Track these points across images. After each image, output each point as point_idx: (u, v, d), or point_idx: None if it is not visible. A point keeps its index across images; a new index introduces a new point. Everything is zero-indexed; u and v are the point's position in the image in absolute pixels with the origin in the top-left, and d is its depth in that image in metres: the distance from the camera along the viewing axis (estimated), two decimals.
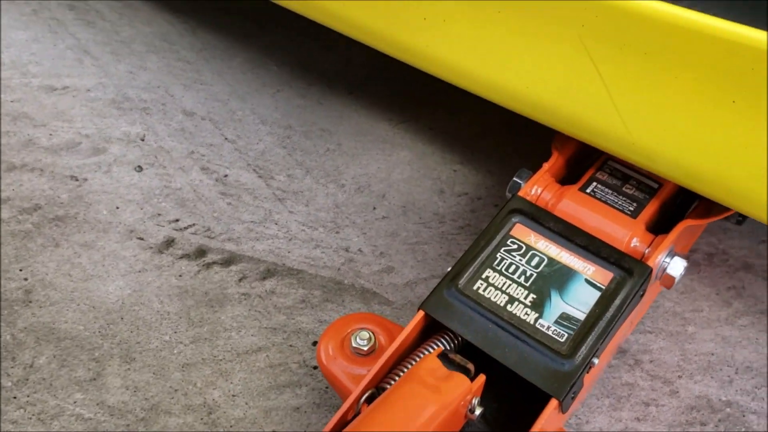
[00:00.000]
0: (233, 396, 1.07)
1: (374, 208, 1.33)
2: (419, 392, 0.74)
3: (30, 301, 1.16)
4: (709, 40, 0.77)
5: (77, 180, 1.34)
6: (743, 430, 1.04)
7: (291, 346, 1.13)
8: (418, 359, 0.83)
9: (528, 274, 0.88)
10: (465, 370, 0.80)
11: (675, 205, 1.06)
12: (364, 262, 1.24)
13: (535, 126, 1.45)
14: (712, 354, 1.13)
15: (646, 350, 1.13)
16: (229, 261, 1.24)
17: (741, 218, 1.27)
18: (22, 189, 1.31)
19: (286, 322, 1.16)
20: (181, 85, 1.55)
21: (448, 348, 0.86)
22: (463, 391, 0.75)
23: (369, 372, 0.83)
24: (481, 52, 0.97)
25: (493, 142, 1.45)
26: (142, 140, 1.42)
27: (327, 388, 1.08)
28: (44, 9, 1.71)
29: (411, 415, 0.72)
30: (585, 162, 1.07)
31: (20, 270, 1.20)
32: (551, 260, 0.89)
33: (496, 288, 0.87)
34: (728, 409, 1.06)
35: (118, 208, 1.30)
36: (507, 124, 1.49)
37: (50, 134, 1.42)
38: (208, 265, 1.23)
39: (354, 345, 0.92)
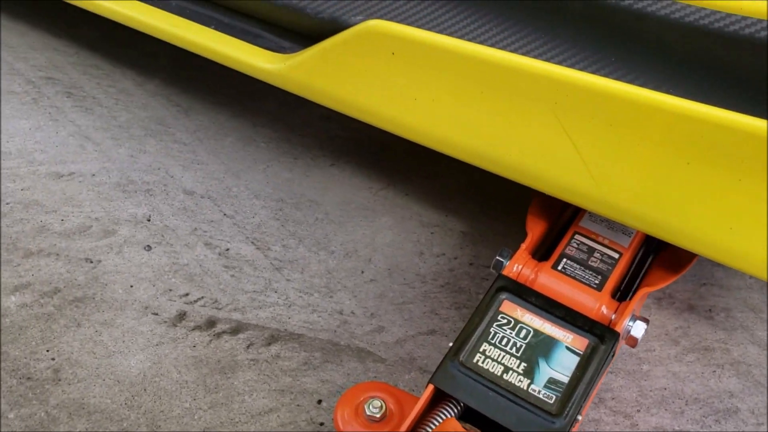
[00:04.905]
0: None
1: (362, 272, 1.37)
2: None
3: (59, 380, 1.17)
4: (661, 114, 0.86)
5: (92, 262, 1.35)
6: None
7: (298, 405, 1.16)
8: (429, 425, 0.88)
9: (518, 345, 0.94)
10: None
11: (633, 269, 1.13)
12: (357, 323, 1.28)
13: (497, 187, 1.52)
14: (665, 389, 1.20)
15: (608, 389, 1.20)
16: (236, 330, 1.26)
17: None
18: (41, 273, 1.32)
19: (292, 384, 1.19)
20: (179, 165, 1.57)
21: (454, 413, 0.91)
22: None
23: None
24: (468, 128, 1.05)
25: (464, 204, 1.51)
26: (149, 220, 1.44)
27: None
28: (43, 97, 1.71)
29: None
30: (555, 232, 1.14)
31: (47, 351, 1.20)
32: (536, 331, 0.95)
33: (493, 360, 0.92)
34: None
35: (132, 286, 1.32)
36: (474, 186, 1.55)
37: (62, 219, 1.42)
38: (219, 335, 1.26)
39: (368, 413, 0.96)
